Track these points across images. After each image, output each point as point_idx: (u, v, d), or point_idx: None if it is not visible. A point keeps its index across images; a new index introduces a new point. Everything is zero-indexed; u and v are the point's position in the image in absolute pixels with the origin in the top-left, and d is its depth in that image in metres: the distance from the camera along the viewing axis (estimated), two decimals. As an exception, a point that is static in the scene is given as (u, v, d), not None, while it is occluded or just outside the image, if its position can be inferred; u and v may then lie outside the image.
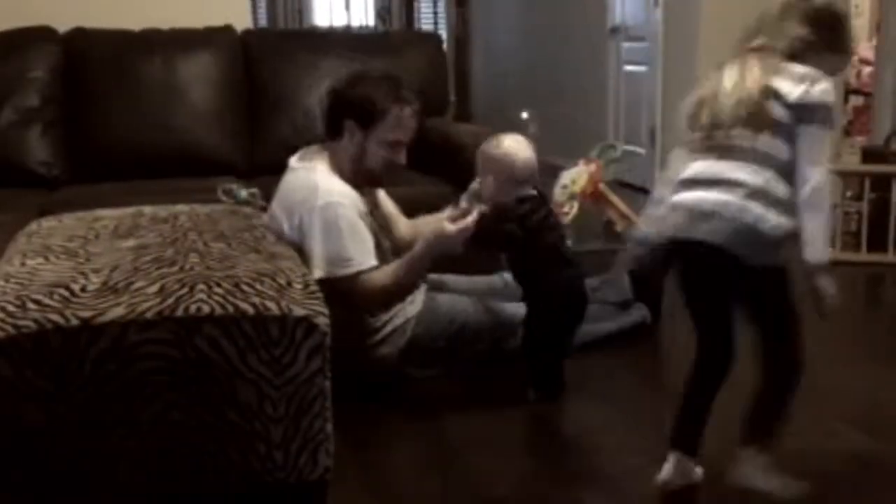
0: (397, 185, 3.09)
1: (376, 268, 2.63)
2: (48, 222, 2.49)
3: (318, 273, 2.54)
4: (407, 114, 2.69)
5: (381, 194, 2.94)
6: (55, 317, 1.70)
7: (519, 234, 2.59)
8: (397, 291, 2.68)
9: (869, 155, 4.43)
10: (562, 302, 2.66)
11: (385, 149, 2.68)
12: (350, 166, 2.70)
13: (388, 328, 2.71)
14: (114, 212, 2.56)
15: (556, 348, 2.68)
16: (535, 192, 2.66)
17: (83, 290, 1.81)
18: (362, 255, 2.61)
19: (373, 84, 2.69)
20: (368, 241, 2.65)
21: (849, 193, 4.25)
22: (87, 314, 1.71)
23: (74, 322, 1.69)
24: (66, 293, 1.79)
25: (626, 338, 3.07)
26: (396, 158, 2.72)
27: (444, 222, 2.56)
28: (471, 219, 2.53)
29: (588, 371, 2.85)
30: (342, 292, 2.56)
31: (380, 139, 2.67)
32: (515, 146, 2.66)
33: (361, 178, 2.73)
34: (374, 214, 2.76)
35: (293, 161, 2.75)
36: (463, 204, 2.71)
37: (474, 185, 2.75)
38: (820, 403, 2.62)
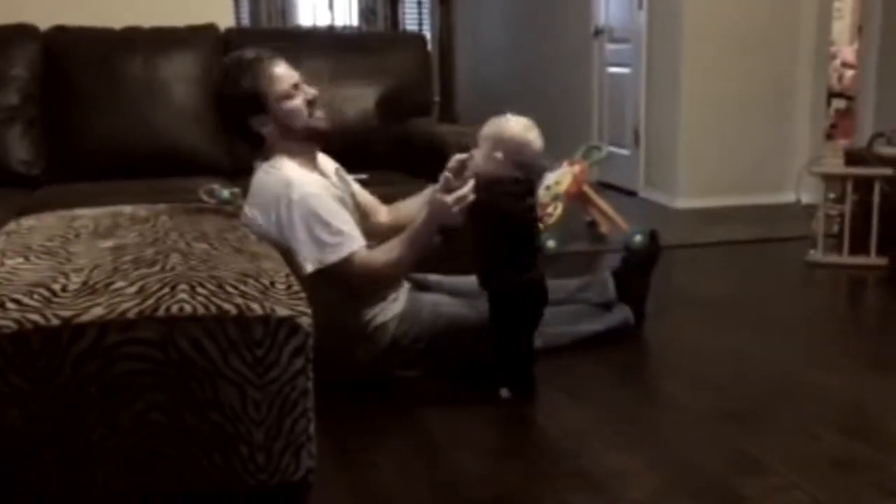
0: (381, 185, 3.09)
1: (369, 247, 2.63)
2: (28, 221, 2.47)
3: (309, 266, 2.54)
4: (268, 68, 2.69)
5: (356, 187, 2.94)
6: (35, 316, 1.68)
7: (519, 207, 2.60)
8: (400, 267, 2.68)
9: (852, 157, 4.44)
10: (526, 299, 2.66)
11: (289, 100, 2.69)
12: (291, 143, 2.70)
13: (372, 327, 2.70)
14: (93, 211, 2.54)
15: (524, 345, 2.68)
16: (525, 180, 2.66)
17: (63, 289, 1.79)
18: (348, 236, 2.60)
19: (230, 81, 2.68)
20: (352, 223, 2.65)
21: (831, 196, 4.27)
22: (67, 314, 1.69)
23: (55, 322, 1.67)
24: (47, 293, 1.77)
25: (609, 339, 3.06)
26: (308, 96, 2.72)
27: (442, 193, 2.57)
28: (468, 187, 2.55)
29: (572, 372, 2.85)
30: (340, 279, 2.56)
31: (278, 101, 2.67)
32: (532, 129, 2.66)
33: (310, 138, 2.74)
34: (346, 201, 2.75)
35: (259, 162, 2.75)
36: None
37: (453, 161, 2.72)
38: (802, 406, 2.62)
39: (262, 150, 2.76)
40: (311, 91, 2.74)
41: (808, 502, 2.06)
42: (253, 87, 2.66)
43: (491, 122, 2.68)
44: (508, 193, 2.59)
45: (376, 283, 2.68)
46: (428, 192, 2.83)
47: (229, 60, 2.77)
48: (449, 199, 2.56)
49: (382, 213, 2.98)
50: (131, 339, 1.69)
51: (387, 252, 2.65)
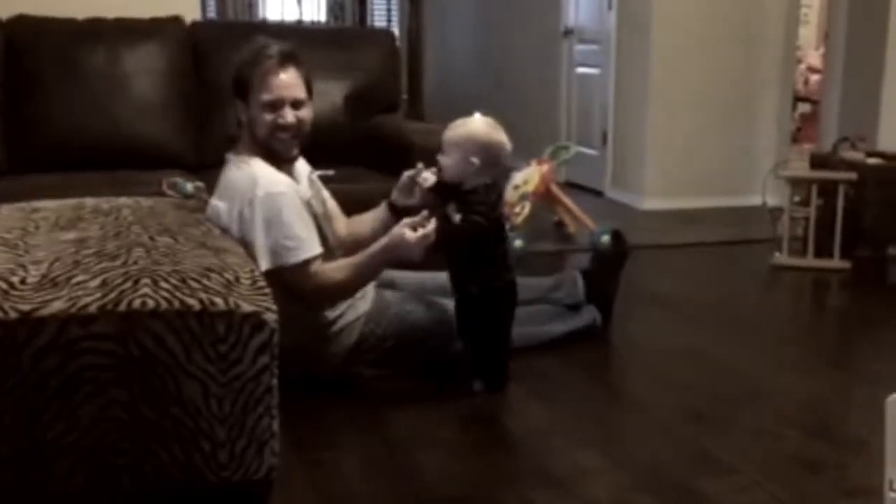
0: (347, 181, 3.07)
1: (322, 256, 2.59)
2: (-13, 213, 2.42)
3: (264, 265, 2.50)
4: (269, 70, 2.59)
5: (324, 192, 2.90)
6: (-8, 310, 1.64)
7: (485, 224, 2.55)
8: (347, 288, 2.65)
9: (816, 161, 4.48)
10: (500, 299, 2.66)
11: (266, 111, 2.60)
12: (254, 145, 2.64)
13: (338, 325, 2.68)
14: (54, 203, 2.50)
15: (500, 342, 2.68)
16: (491, 181, 2.64)
17: (22, 282, 1.75)
18: (307, 242, 2.57)
19: (240, 58, 2.65)
20: (312, 229, 2.61)
21: (796, 199, 4.30)
22: (26, 307, 1.66)
23: (13, 315, 1.64)
24: (5, 286, 1.73)
25: (575, 339, 3.06)
26: (280, 118, 2.60)
27: (406, 229, 2.51)
28: (431, 227, 2.49)
29: (537, 372, 2.85)
30: (291, 284, 2.52)
31: (258, 105, 2.60)
32: (500, 129, 2.64)
33: (268, 153, 2.65)
34: (315, 204, 2.71)
35: (231, 155, 2.70)
36: (394, 196, 2.73)
37: (404, 178, 2.73)
38: (766, 407, 2.64)
39: (235, 142, 2.71)
40: (288, 119, 2.60)
41: (770, 501, 2.07)
42: (242, 73, 2.61)
43: (458, 125, 2.64)
44: (483, 203, 2.55)
45: (321, 297, 2.63)
46: (381, 209, 2.81)
47: (260, 40, 2.68)
48: (411, 237, 2.50)
49: (342, 224, 2.94)
50: (92, 334, 1.67)
51: (335, 271, 2.61)
